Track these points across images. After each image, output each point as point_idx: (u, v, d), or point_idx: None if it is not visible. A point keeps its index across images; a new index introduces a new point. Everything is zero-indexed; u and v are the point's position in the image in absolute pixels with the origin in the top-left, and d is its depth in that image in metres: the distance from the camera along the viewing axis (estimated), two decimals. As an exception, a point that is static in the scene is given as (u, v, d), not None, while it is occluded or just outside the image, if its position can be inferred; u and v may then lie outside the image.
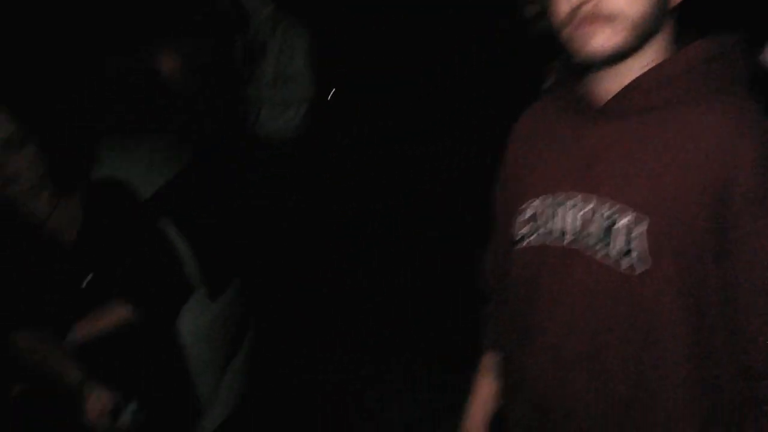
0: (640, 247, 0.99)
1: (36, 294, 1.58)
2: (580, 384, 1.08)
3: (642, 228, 0.99)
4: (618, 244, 1.01)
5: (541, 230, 1.11)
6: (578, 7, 0.97)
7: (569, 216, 1.06)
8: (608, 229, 1.02)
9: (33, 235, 1.63)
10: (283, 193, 3.90)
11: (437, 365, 3.44)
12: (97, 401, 1.47)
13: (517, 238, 1.16)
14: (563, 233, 1.07)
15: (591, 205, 1.04)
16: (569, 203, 1.07)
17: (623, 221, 1.00)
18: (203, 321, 2.39)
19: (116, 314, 1.63)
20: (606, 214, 1.02)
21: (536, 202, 1.12)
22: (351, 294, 4.30)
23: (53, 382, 1.52)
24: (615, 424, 1.06)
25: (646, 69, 1.02)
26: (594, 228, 1.03)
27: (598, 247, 1.03)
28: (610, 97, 1.05)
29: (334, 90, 4.88)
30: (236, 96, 3.83)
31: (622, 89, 1.03)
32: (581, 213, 1.05)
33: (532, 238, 1.13)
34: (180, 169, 2.58)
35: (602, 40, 0.97)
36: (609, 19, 0.97)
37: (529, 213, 1.13)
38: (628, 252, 1.00)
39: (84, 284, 1.63)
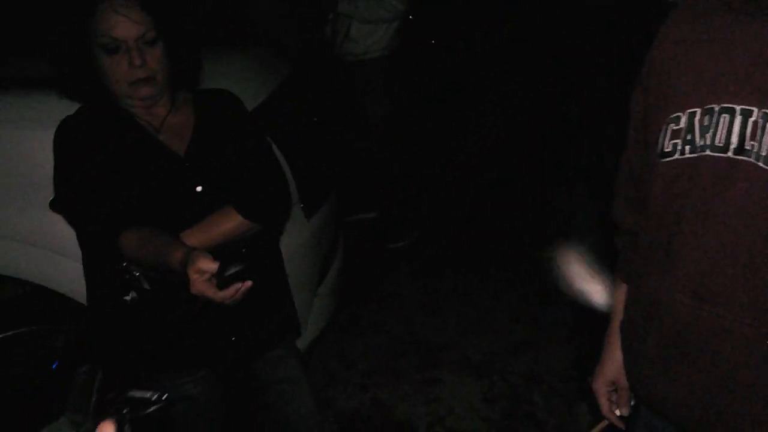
0: None
1: (150, 199, 1.56)
2: (729, 316, 1.00)
3: None
4: None
5: (699, 141, 1.02)
6: None
7: (736, 125, 0.97)
8: None
9: (149, 141, 1.61)
10: (370, 108, 3.82)
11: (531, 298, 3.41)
12: (202, 269, 1.41)
13: (667, 150, 1.07)
14: (727, 144, 0.98)
15: (754, 116, 0.95)
16: (734, 111, 0.98)
17: None
18: (298, 240, 2.37)
19: (227, 223, 1.60)
20: None
21: (692, 111, 1.03)
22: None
23: (164, 270, 1.49)
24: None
25: None
26: (758, 139, 0.95)
27: (763, 159, 0.95)
28: None
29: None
30: (328, 10, 3.72)
31: None
32: (749, 121, 0.96)
33: (686, 149, 1.04)
34: (278, 83, 2.53)
35: None
36: None
37: (683, 122, 1.04)
38: None
39: (196, 192, 1.61)
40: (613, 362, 1.32)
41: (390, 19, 3.66)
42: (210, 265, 1.38)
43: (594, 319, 2.56)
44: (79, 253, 1.69)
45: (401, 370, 3.01)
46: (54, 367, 1.36)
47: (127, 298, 1.56)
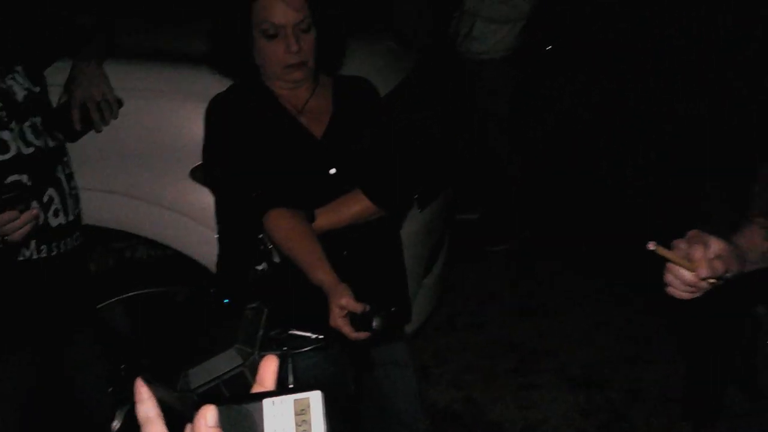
0: None
1: (289, 178, 1.64)
2: None
3: None
4: None
5: None
6: None
7: None
8: None
9: (290, 121, 1.69)
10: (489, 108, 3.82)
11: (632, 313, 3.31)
12: (346, 306, 1.51)
13: None
14: None
15: None
16: None
17: None
18: (412, 228, 2.41)
19: (356, 206, 1.67)
20: None
21: None
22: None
23: (300, 269, 1.58)
24: None
25: None
26: None
27: None
28: None
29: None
30: (454, 6, 3.74)
31: None
32: None
33: None
34: (406, 73, 2.57)
35: None
36: None
37: None
38: None
39: (330, 174, 1.67)
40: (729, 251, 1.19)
41: (514, 19, 3.65)
42: (352, 305, 1.49)
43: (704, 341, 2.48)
44: (213, 221, 1.79)
45: (497, 371, 3.00)
46: (226, 302, 1.49)
47: (259, 268, 1.64)
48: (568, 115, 5.21)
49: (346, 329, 1.50)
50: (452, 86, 3.79)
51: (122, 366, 2.24)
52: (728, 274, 1.16)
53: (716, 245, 1.16)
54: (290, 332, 1.47)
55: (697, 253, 1.13)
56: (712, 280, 1.15)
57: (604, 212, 4.17)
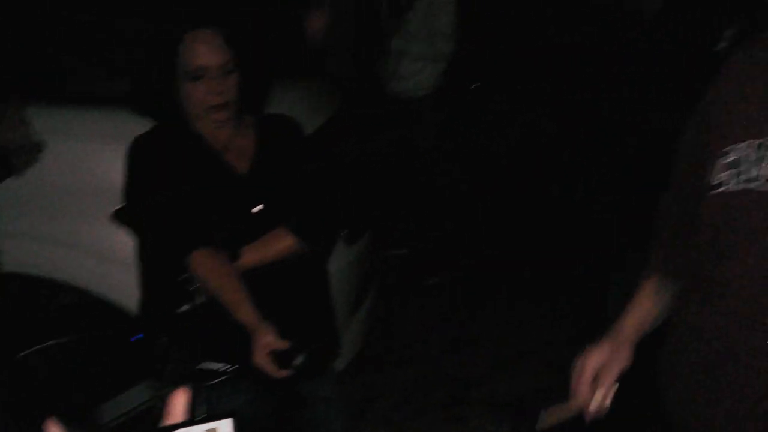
0: None
1: (213, 217, 1.65)
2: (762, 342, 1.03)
3: None
4: None
5: (743, 175, 1.06)
6: None
7: None
8: None
9: (214, 161, 1.70)
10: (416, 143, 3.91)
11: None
12: (269, 345, 1.52)
13: (715, 183, 1.11)
14: None
15: None
16: None
17: None
18: (338, 265, 2.43)
19: (281, 243, 1.69)
20: None
21: (741, 146, 1.07)
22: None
23: (224, 309, 1.59)
24: None
25: None
26: None
27: None
28: None
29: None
30: (379, 47, 3.84)
31: None
32: None
33: (731, 182, 1.08)
34: (332, 113, 2.62)
35: None
36: None
37: (732, 157, 1.08)
38: None
39: (255, 212, 1.68)
40: (620, 352, 1.29)
41: (438, 59, 3.76)
42: (275, 344, 1.51)
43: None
44: (135, 264, 1.77)
45: (428, 406, 3.02)
46: (138, 338, 1.48)
47: (182, 309, 1.63)
48: (532, 127, 5.33)
49: (269, 368, 1.51)
50: (380, 124, 3.86)
51: (38, 412, 2.15)
52: None
53: (593, 363, 1.28)
54: (202, 365, 1.46)
55: (580, 392, 1.26)
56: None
57: (553, 233, 4.28)
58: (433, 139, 3.92)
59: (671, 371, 1.25)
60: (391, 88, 3.87)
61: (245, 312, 1.57)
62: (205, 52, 1.61)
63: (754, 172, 1.05)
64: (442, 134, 4.04)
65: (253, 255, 1.67)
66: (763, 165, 1.04)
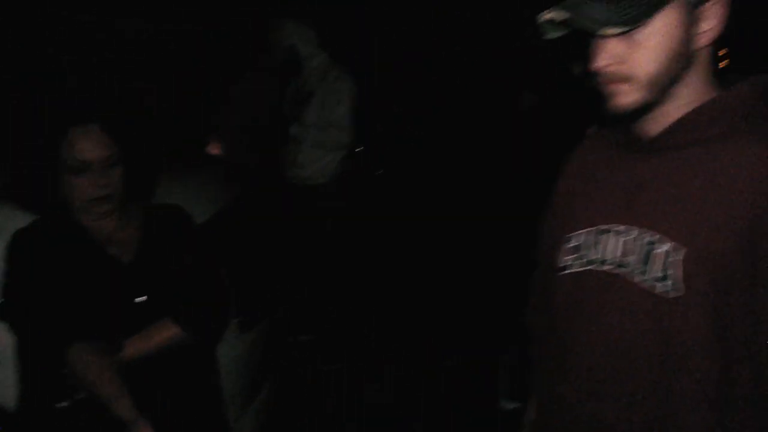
0: (675, 274, 1.05)
1: (94, 309, 1.64)
2: (611, 411, 1.13)
3: (678, 257, 1.05)
4: (655, 270, 1.07)
5: (585, 258, 1.18)
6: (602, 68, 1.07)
7: (611, 244, 1.14)
8: (647, 256, 1.08)
9: (97, 252, 1.70)
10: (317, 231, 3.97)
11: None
12: None
13: (562, 265, 1.23)
14: (605, 260, 1.14)
15: (633, 235, 1.11)
16: (612, 232, 1.14)
17: (661, 249, 1.07)
18: (232, 353, 2.42)
19: (166, 333, 1.69)
20: (646, 242, 1.09)
21: (582, 232, 1.20)
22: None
23: (102, 404, 1.56)
24: None
25: (686, 108, 1.09)
26: (634, 255, 1.10)
27: (636, 272, 1.09)
28: (652, 135, 1.13)
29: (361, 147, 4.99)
30: (281, 135, 3.95)
31: (670, 126, 1.10)
32: (623, 241, 1.12)
33: (579, 263, 1.20)
34: (227, 201, 2.66)
35: (622, 98, 1.07)
36: (626, 79, 1.06)
37: (574, 242, 1.21)
38: (663, 278, 1.06)
39: (138, 303, 1.68)
40: None
41: (336, 148, 3.89)
42: None
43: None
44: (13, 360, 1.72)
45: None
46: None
47: (61, 405, 1.59)
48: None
49: None
50: (280, 211, 3.92)
51: None
52: None
53: None
54: None
55: None
56: None
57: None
58: (333, 227, 4.00)
59: None
60: (291, 175, 3.96)
61: (122, 406, 1.55)
62: (87, 146, 1.64)
63: (592, 256, 1.18)
64: (344, 220, 4.13)
65: (136, 346, 1.66)
66: (600, 249, 1.17)
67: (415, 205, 6.42)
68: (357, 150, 4.19)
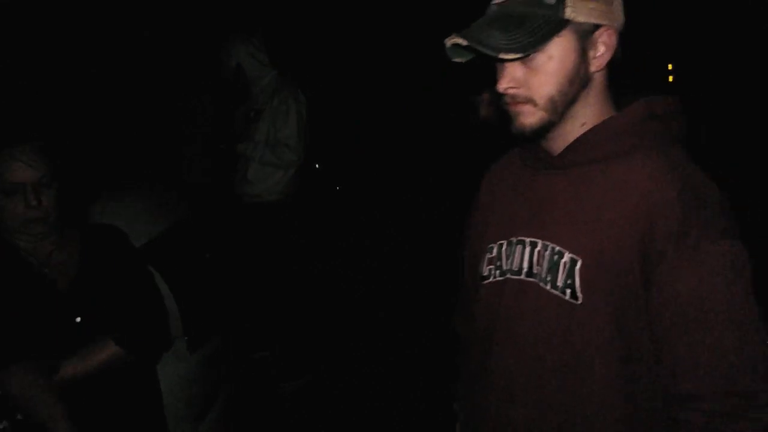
0: (575, 283, 1.14)
1: (31, 331, 1.64)
2: (527, 415, 1.20)
3: (576, 266, 1.14)
4: (560, 279, 1.16)
5: (504, 266, 1.26)
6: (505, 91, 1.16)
7: (526, 254, 1.22)
8: (554, 265, 1.17)
9: (34, 274, 1.71)
10: (267, 251, 3.97)
11: None
12: None
13: (484, 274, 1.31)
14: (519, 269, 1.23)
15: (539, 247, 1.20)
16: (524, 244, 1.23)
17: (563, 260, 1.16)
18: (180, 372, 2.42)
19: (104, 353, 1.70)
20: (552, 253, 1.18)
21: (499, 244, 1.28)
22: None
23: (40, 426, 1.56)
24: None
25: (586, 127, 1.19)
26: (543, 264, 1.19)
27: (547, 280, 1.18)
28: (555, 154, 1.22)
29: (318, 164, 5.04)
30: (229, 153, 3.95)
31: (569, 145, 1.20)
32: (535, 251, 1.21)
33: (496, 273, 1.28)
34: (172, 221, 2.66)
35: (525, 118, 1.17)
36: (527, 101, 1.15)
37: (494, 252, 1.29)
38: (567, 286, 1.15)
39: (76, 323, 1.69)
40: None
41: (285, 166, 3.91)
42: None
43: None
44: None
45: None
46: None
47: (0, 426, 1.58)
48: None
49: None
50: (230, 228, 3.92)
51: None
52: None
53: None
54: None
55: None
56: None
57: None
58: (285, 245, 4.01)
59: None
60: (241, 192, 3.96)
61: (60, 428, 1.55)
62: (19, 167, 1.64)
63: (508, 266, 1.26)
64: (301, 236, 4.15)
65: (74, 366, 1.67)
66: (514, 259, 1.25)
67: (371, 219, 6.48)
68: (316, 167, 4.21)
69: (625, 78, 1.25)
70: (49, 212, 1.69)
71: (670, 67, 7.21)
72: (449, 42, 1.14)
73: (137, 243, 2.05)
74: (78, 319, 1.71)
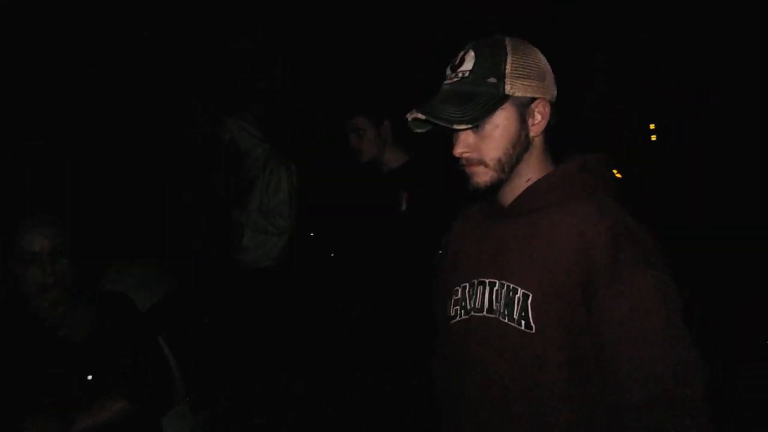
0: (529, 314, 1.31)
1: (47, 386, 1.79)
2: None
3: (528, 301, 1.32)
4: (516, 312, 1.33)
5: (468, 306, 1.43)
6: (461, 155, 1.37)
7: (486, 294, 1.39)
8: (510, 301, 1.34)
9: (49, 335, 1.87)
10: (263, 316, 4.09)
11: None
12: None
13: (452, 314, 1.47)
14: (482, 306, 1.39)
15: (496, 286, 1.37)
16: (485, 284, 1.40)
17: (517, 296, 1.33)
18: (184, 430, 2.53)
19: (114, 407, 1.85)
20: (507, 291, 1.35)
21: (464, 285, 1.45)
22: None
23: None
24: None
25: (530, 182, 1.39)
26: (501, 301, 1.36)
27: (505, 314, 1.35)
28: (506, 205, 1.41)
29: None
30: (224, 221, 4.12)
31: (517, 198, 1.40)
32: (493, 290, 1.38)
33: (462, 312, 1.44)
34: (171, 288, 2.83)
35: (478, 178, 1.37)
36: (479, 163, 1.36)
37: (459, 294, 1.46)
38: (522, 317, 1.32)
39: (88, 380, 1.83)
40: None
41: (278, 233, 4.07)
42: None
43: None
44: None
45: None
46: None
47: None
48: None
49: None
50: (225, 294, 4.05)
51: None
52: None
53: None
54: None
55: None
56: None
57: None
58: (278, 312, 4.13)
59: None
60: (236, 258, 4.11)
61: None
62: (36, 238, 1.83)
63: (471, 304, 1.43)
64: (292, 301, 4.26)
65: (87, 419, 1.81)
66: (476, 298, 1.42)
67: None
68: (310, 234, 4.35)
69: (567, 140, 1.45)
70: (64, 279, 1.86)
71: (652, 126, 7.50)
72: (410, 116, 1.35)
73: (141, 308, 2.21)
74: (90, 377, 1.85)
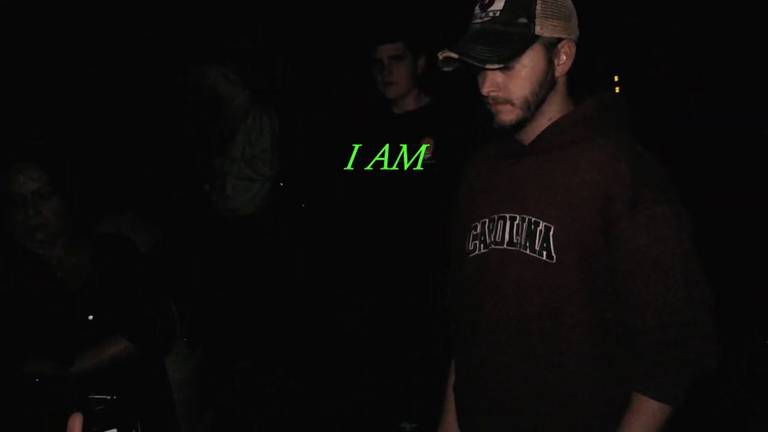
0: (551, 246, 1.38)
1: (47, 327, 1.81)
2: (510, 358, 1.43)
3: (550, 232, 1.38)
4: (538, 243, 1.40)
5: (488, 240, 1.49)
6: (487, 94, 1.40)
7: (507, 227, 1.46)
8: (531, 234, 1.41)
9: (47, 277, 1.87)
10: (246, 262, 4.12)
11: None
12: None
13: (470, 249, 1.53)
14: (503, 239, 1.46)
15: (517, 220, 1.44)
16: (504, 219, 1.46)
17: (539, 228, 1.40)
18: (182, 370, 2.59)
19: (115, 348, 1.87)
20: (528, 224, 1.42)
21: (483, 221, 1.51)
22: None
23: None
24: (538, 396, 1.42)
25: (552, 120, 1.44)
26: (522, 234, 1.42)
27: (526, 245, 1.41)
28: (527, 143, 1.46)
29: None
30: (206, 168, 4.12)
31: (539, 135, 1.45)
32: (514, 224, 1.44)
33: (481, 246, 1.50)
34: (161, 234, 2.85)
35: (504, 116, 1.41)
36: (506, 102, 1.40)
37: (479, 229, 1.52)
38: (543, 249, 1.39)
39: (89, 321, 1.86)
40: (450, 425, 1.65)
41: (261, 179, 4.09)
42: None
43: None
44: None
45: None
46: None
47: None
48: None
49: None
50: (212, 241, 4.07)
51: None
52: None
53: None
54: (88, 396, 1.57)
55: None
56: None
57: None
58: (264, 258, 4.16)
59: (461, 399, 1.60)
60: (219, 207, 4.12)
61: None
62: (19, 179, 1.79)
63: (492, 238, 1.48)
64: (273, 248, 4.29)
65: (88, 360, 1.83)
66: (497, 232, 1.48)
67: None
68: (281, 185, 4.36)
69: (581, 82, 1.50)
70: (50, 221, 1.83)
71: (616, 78, 7.64)
72: (442, 55, 1.38)
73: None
74: (90, 317, 1.87)
